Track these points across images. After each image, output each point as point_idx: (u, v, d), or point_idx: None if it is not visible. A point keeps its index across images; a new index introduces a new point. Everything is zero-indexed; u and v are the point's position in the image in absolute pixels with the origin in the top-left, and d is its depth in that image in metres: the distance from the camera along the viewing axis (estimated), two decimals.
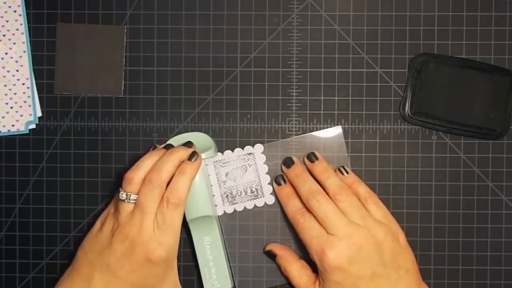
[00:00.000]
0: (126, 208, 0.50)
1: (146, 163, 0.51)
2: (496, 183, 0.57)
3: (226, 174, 0.57)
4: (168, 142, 0.55)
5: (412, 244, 0.52)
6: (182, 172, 0.51)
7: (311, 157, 0.55)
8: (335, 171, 0.54)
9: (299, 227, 0.52)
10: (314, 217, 0.51)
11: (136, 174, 0.51)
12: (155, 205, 0.50)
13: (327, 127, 0.57)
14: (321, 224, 0.50)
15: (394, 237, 0.51)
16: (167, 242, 0.50)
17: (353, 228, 0.50)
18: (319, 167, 0.54)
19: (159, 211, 0.50)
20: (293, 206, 0.53)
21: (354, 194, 0.52)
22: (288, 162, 0.56)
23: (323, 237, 0.50)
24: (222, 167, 0.57)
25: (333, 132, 0.57)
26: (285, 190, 0.55)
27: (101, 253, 0.50)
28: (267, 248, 0.56)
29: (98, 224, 0.53)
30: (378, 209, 0.52)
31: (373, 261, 0.49)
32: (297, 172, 0.55)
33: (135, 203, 0.50)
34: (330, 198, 0.51)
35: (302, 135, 0.57)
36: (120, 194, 0.50)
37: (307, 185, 0.52)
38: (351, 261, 0.49)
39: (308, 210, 0.52)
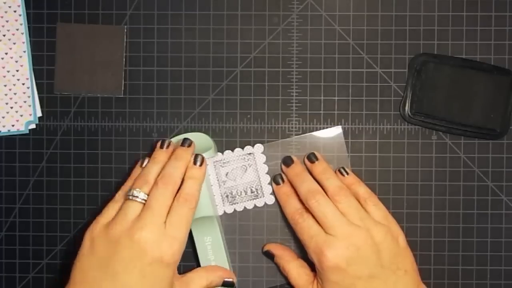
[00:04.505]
0: (134, 210, 0.49)
1: (155, 168, 0.51)
2: (496, 183, 0.57)
3: (226, 174, 0.57)
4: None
5: (412, 244, 0.52)
6: (192, 176, 0.51)
7: (311, 157, 0.55)
8: (335, 172, 0.54)
9: (298, 227, 0.52)
10: (313, 217, 0.51)
11: (146, 177, 0.50)
12: (166, 208, 0.49)
13: (327, 127, 0.57)
14: (320, 224, 0.50)
15: (393, 238, 0.51)
16: (177, 243, 0.49)
17: (352, 228, 0.50)
18: (319, 167, 0.54)
19: (172, 212, 0.49)
20: (292, 206, 0.53)
21: (354, 194, 0.52)
22: (287, 161, 0.56)
23: (321, 237, 0.50)
24: (222, 167, 0.57)
25: (333, 132, 0.57)
26: (284, 190, 0.55)
27: (105, 265, 0.48)
28: (265, 248, 0.56)
29: (87, 242, 0.50)
30: (377, 210, 0.52)
31: (371, 262, 0.49)
32: (296, 171, 0.55)
33: (143, 205, 0.49)
34: (329, 198, 0.51)
35: (302, 135, 0.57)
36: (129, 195, 0.50)
37: (306, 185, 0.52)
38: (349, 261, 0.49)
39: (307, 210, 0.52)
